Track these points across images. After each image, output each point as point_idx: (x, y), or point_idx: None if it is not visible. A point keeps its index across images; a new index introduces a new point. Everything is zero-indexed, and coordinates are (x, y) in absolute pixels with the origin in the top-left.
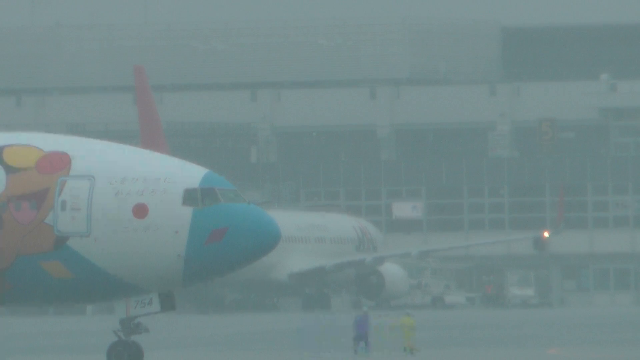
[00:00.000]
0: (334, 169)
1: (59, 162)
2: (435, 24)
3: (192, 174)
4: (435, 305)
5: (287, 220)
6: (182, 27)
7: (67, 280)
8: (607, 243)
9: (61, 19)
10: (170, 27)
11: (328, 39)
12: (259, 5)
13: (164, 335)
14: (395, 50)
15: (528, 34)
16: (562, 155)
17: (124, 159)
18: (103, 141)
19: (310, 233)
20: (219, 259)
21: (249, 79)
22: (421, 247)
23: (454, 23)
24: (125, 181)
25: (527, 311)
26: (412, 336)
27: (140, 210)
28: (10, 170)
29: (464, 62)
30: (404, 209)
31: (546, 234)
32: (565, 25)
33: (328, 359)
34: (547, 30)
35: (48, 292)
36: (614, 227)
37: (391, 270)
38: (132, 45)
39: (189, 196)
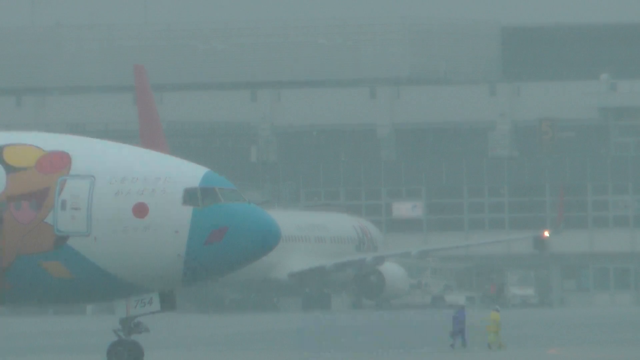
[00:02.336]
0: (334, 169)
1: (59, 162)
2: (435, 24)
3: (192, 173)
4: (435, 305)
5: (287, 220)
6: (182, 27)
7: (67, 280)
8: (607, 243)
9: (61, 19)
10: (170, 27)
11: (328, 39)
12: (259, 5)
13: (164, 335)
14: (395, 50)
15: (528, 34)
16: (562, 155)
17: (124, 158)
18: (103, 141)
19: (310, 233)
20: (219, 258)
21: (249, 79)
22: (421, 247)
23: (454, 23)
24: (125, 181)
25: (527, 311)
26: (499, 332)
27: (141, 210)
28: (10, 169)
29: (464, 62)
30: (404, 209)
31: (546, 234)
32: (565, 25)
33: (328, 358)
34: (547, 30)
35: (48, 292)
36: (614, 227)
37: (391, 269)
38: (132, 45)
39: (189, 196)
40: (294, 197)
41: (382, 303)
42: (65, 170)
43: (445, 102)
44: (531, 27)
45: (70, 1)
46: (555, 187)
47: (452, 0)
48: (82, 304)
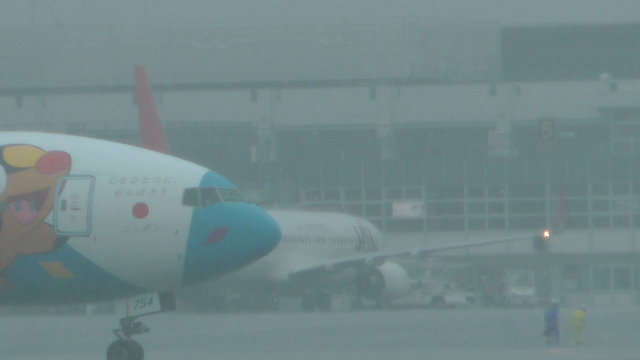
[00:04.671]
0: (334, 169)
1: (59, 162)
2: (435, 23)
3: (192, 173)
4: (435, 305)
5: (287, 219)
6: (182, 27)
7: (67, 280)
8: (607, 243)
9: (61, 19)
10: (170, 27)
11: (328, 39)
12: (259, 5)
13: (164, 335)
14: (395, 50)
15: (528, 34)
16: (562, 155)
17: (124, 158)
18: (103, 141)
19: (310, 233)
20: (219, 258)
21: (249, 79)
22: (421, 247)
23: (454, 23)
24: (126, 181)
25: (527, 311)
26: (582, 329)
27: (141, 210)
28: (10, 169)
29: (464, 62)
30: (404, 209)
31: (546, 234)
32: (565, 25)
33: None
34: (547, 30)
35: (48, 292)
36: (614, 226)
37: (391, 269)
38: (132, 45)
39: (189, 196)
40: (294, 197)
41: (382, 303)
42: (65, 170)
43: (445, 102)
44: (531, 27)
45: (70, 1)
46: (555, 187)
47: (452, 0)
48: (82, 304)
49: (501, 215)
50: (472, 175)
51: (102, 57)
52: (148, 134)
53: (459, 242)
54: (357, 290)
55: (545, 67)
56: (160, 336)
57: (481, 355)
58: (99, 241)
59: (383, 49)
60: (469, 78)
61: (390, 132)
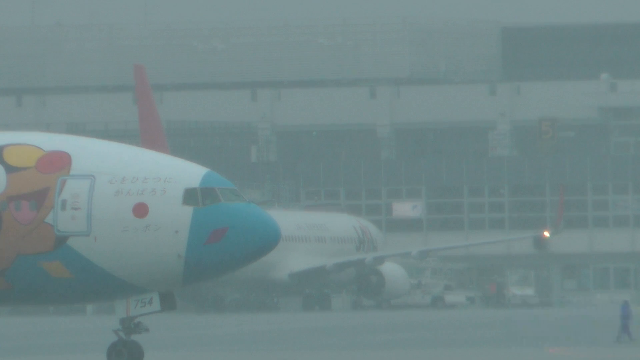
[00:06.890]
0: (334, 169)
1: (59, 162)
2: (435, 23)
3: (193, 173)
4: (435, 305)
5: (287, 219)
6: (182, 27)
7: (67, 280)
8: (607, 243)
9: (61, 19)
10: (170, 27)
11: (328, 39)
12: (259, 5)
13: (164, 335)
14: (395, 50)
15: (528, 34)
16: (562, 155)
17: (124, 158)
18: (103, 141)
19: (310, 232)
20: (219, 258)
21: (249, 79)
22: (421, 247)
23: (454, 23)
24: (126, 180)
25: (527, 311)
26: None
27: (141, 210)
28: (10, 169)
29: (464, 61)
30: (404, 209)
31: (546, 234)
32: (565, 25)
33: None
34: (547, 30)
35: (48, 292)
36: (614, 226)
37: (391, 269)
38: (132, 45)
39: (189, 196)
40: (294, 197)
41: (382, 303)
42: (66, 170)
43: (445, 102)
44: (531, 27)
45: (70, 1)
46: (555, 187)
47: (452, 0)
48: (82, 304)
49: (501, 215)
50: (472, 175)
51: (102, 57)
52: (148, 134)
53: (459, 242)
54: (357, 290)
55: (545, 67)
56: (160, 336)
57: (481, 355)
58: (99, 241)
59: (383, 49)
60: (469, 78)
61: (390, 132)
